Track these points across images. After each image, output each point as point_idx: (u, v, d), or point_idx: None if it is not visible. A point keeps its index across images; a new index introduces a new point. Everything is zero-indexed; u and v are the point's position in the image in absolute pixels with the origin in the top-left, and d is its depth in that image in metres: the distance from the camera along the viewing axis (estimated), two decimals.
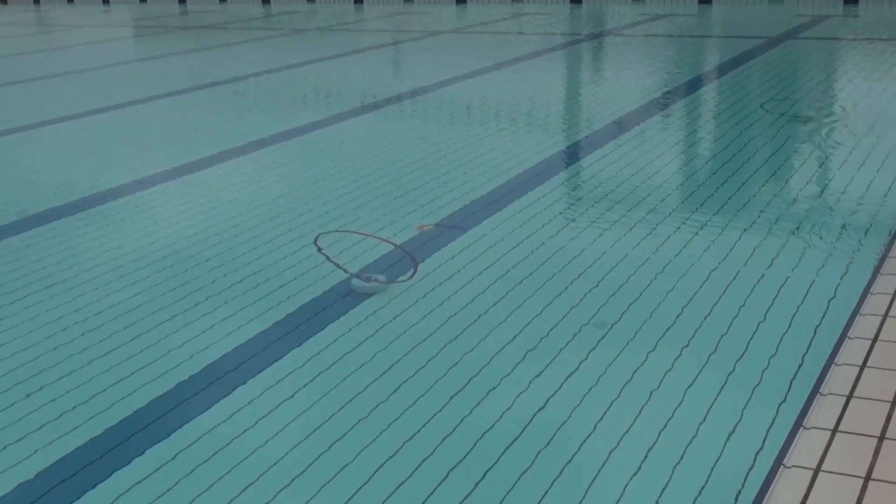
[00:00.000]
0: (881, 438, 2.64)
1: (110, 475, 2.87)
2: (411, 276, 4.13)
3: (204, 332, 3.83)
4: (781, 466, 2.64)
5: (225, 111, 9.22)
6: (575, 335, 3.65)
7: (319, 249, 4.29)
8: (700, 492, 2.67)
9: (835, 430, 2.73)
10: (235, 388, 3.39)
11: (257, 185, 5.99)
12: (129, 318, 4.00)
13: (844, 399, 2.91)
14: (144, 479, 2.84)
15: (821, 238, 4.53)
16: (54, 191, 6.07)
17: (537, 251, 4.55)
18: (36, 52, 14.54)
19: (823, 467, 2.56)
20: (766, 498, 2.52)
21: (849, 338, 3.43)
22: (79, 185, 6.15)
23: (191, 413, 3.22)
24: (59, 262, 4.69)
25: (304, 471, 2.87)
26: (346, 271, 4.25)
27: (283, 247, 4.78)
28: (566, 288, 4.09)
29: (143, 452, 2.99)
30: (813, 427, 2.80)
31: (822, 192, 5.38)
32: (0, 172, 6.76)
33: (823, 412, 2.90)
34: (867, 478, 2.48)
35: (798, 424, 2.85)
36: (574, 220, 5.02)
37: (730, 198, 5.44)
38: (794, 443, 2.73)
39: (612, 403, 3.15)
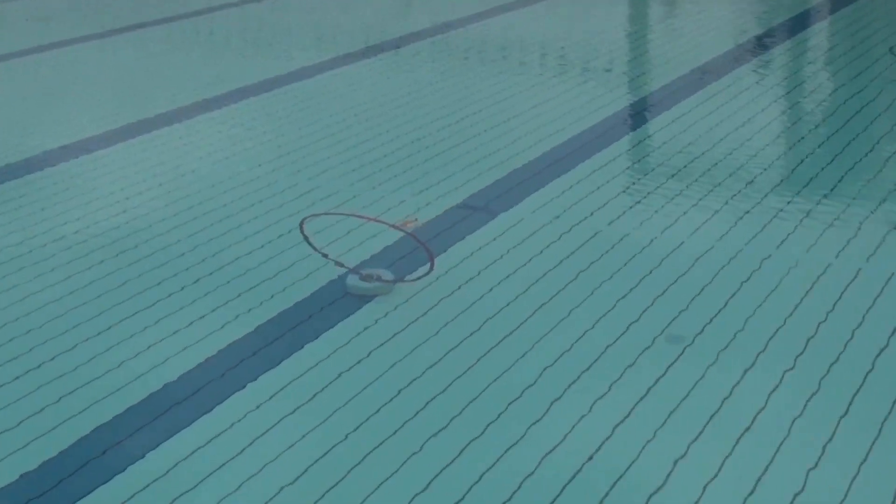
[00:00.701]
0: None
1: None
2: (426, 274, 4.21)
3: (163, 339, 3.95)
4: None
5: (191, 52, 9.30)
6: (643, 351, 3.72)
7: (306, 237, 4.35)
8: None
9: None
10: (203, 413, 3.50)
11: (230, 150, 6.18)
12: (67, 320, 4.14)
13: None
14: None
15: None
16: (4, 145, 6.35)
17: (591, 242, 4.66)
18: None
19: None
20: None
21: None
22: None
23: (146, 444, 3.32)
24: None
25: None
26: (340, 265, 4.35)
27: (262, 232, 4.94)
28: (630, 290, 4.18)
29: (87, 494, 3.09)
30: None
31: None
32: None
33: None
34: None
35: None
36: (640, 202, 5.13)
37: (848, 171, 5.44)
38: None
39: (691, 442, 3.17)
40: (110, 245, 4.87)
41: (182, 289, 4.37)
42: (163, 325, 4.06)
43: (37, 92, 7.88)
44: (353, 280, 4.25)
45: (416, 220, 4.60)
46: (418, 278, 4.26)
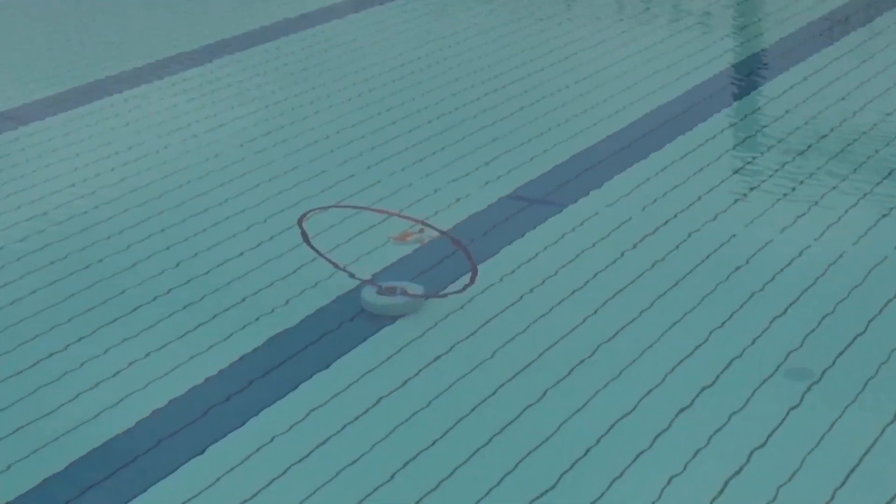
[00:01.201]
0: None
1: None
2: (466, 287, 4.23)
3: (121, 370, 4.01)
4: None
5: None
6: (756, 389, 3.74)
7: (306, 238, 4.43)
8: None
9: None
10: (172, 469, 3.51)
11: (207, 123, 6.29)
12: None
13: None
14: None
15: None
16: None
17: (685, 246, 4.72)
18: None
19: None
20: None
21: None
22: None
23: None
24: None
25: None
26: (352, 276, 4.43)
27: (249, 230, 5.04)
28: (738, 308, 4.20)
29: None
30: None
31: None
32: None
33: None
34: None
35: None
36: (750, 192, 5.19)
37: None
38: None
39: None
40: (48, 247, 4.91)
41: (150, 302, 4.43)
42: (123, 352, 4.10)
43: None
44: (369, 294, 4.32)
45: (422, 229, 4.70)
46: (456, 292, 4.30)
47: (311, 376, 3.93)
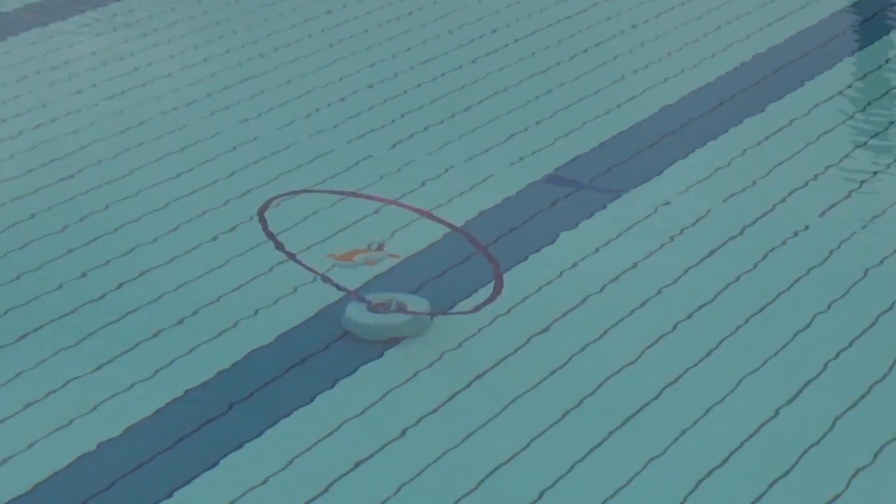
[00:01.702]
0: None
1: None
2: (487, 303, 4.21)
3: (28, 406, 4.10)
4: None
5: None
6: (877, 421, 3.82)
7: (270, 234, 4.49)
8: None
9: None
10: None
11: (134, 78, 6.43)
12: None
13: None
14: None
15: None
16: None
17: (792, 244, 4.90)
18: None
19: None
20: None
21: None
22: None
23: None
24: None
25: None
26: (334, 286, 4.53)
27: (192, 222, 5.14)
28: (868, 328, 4.34)
29: None
30: None
31: None
32: None
33: None
34: None
35: None
36: (873, 178, 5.35)
37: None
38: None
39: None
40: None
41: (61, 317, 4.52)
42: (24, 382, 4.18)
43: None
44: (356, 312, 4.36)
45: (381, 245, 4.89)
46: (474, 309, 4.30)
47: (290, 412, 4.02)
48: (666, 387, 4.12)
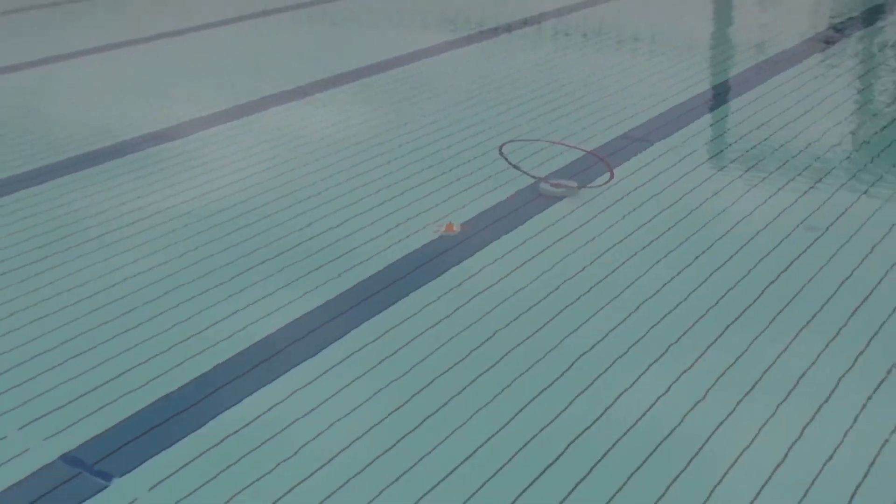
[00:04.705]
0: None
1: (148, 458, 3.98)
2: (607, 182, 6.22)
3: (257, 301, 5.17)
4: None
5: (310, 36, 11.65)
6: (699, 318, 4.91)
7: (505, 158, 6.55)
8: None
9: None
10: (291, 368, 4.53)
11: (322, 132, 7.89)
12: (170, 282, 5.40)
13: None
14: (183, 466, 3.95)
15: None
16: (128, 120, 8.36)
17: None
18: None
19: None
20: None
21: None
22: (133, 122, 8.41)
23: (239, 394, 4.34)
24: (102, 213, 6.39)
25: (365, 468, 3.89)
26: (534, 177, 6.56)
27: (355, 205, 6.39)
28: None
29: (183, 437, 4.11)
30: None
31: None
32: (41, 108, 9.05)
33: None
34: None
35: None
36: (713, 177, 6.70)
37: None
38: None
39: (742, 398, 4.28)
40: (214, 217, 6.37)
41: (275, 257, 5.62)
42: (256, 290, 5.24)
43: (169, 71, 10.28)
44: (545, 187, 6.39)
45: (462, 226, 5.87)
46: (601, 185, 6.21)
47: (386, 308, 5.03)
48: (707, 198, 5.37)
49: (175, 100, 8.94)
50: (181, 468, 3.88)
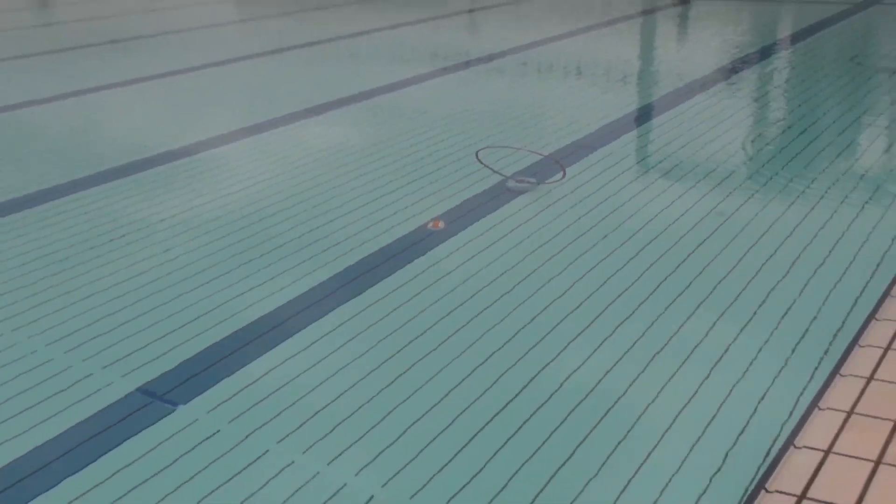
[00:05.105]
0: None
1: (201, 393, 4.27)
2: (560, 180, 6.68)
3: (265, 282, 5.40)
4: (791, 447, 3.58)
5: (327, 67, 12.32)
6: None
7: (481, 162, 7.03)
8: (725, 458, 3.72)
9: (850, 412, 3.56)
10: (296, 332, 4.72)
11: (328, 148, 8.04)
12: (197, 267, 5.60)
13: (864, 381, 3.78)
14: (222, 402, 4.29)
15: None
16: (163, 138, 8.58)
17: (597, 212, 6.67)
18: (138, 12, 19.35)
19: (835, 449, 3.35)
20: (773, 475, 3.39)
21: (876, 319, 4.49)
22: (174, 137, 8.73)
23: (251, 356, 4.56)
24: (139, 214, 6.63)
25: (352, 414, 4.13)
26: (502, 175, 6.88)
27: (346, 205, 6.66)
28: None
29: (219, 381, 4.38)
30: (828, 408, 3.76)
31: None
32: (92, 128, 9.31)
33: (841, 393, 3.80)
34: (878, 461, 3.14)
35: (814, 405, 3.97)
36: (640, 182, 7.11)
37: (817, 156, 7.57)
38: (807, 422, 3.76)
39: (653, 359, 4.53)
40: (234, 219, 6.52)
41: (294, 252, 5.80)
42: (274, 282, 5.38)
43: (195, 98, 10.60)
44: (510, 182, 6.94)
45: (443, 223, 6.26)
46: (556, 181, 6.68)
47: (373, 285, 5.31)
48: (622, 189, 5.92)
49: (199, 122, 9.31)
50: (221, 404, 4.11)
